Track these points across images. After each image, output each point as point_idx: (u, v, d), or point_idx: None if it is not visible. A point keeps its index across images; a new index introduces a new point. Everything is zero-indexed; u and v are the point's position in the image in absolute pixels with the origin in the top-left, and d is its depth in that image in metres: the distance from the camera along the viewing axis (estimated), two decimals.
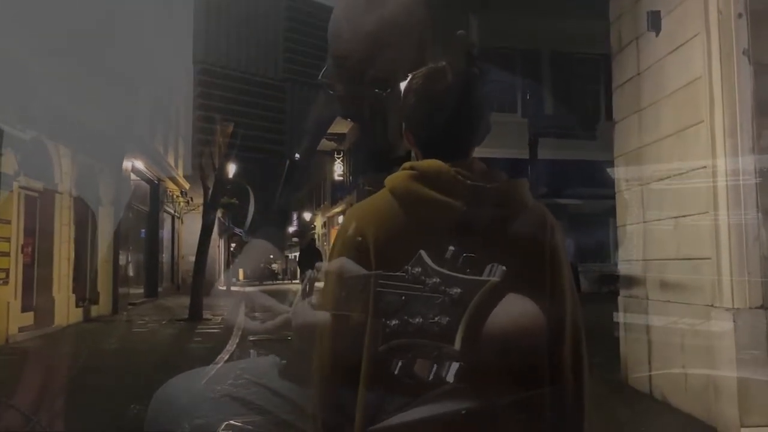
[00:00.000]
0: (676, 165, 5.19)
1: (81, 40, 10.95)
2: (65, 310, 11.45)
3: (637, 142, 5.85)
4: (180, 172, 21.76)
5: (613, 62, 6.46)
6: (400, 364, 1.06)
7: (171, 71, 20.01)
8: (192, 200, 20.85)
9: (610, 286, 8.77)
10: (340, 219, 29.29)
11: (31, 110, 9.75)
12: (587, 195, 12.51)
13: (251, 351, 1.83)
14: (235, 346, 8.70)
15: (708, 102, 4.67)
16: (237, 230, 31.32)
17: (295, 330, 1.30)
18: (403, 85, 1.37)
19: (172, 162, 20.84)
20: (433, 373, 1.04)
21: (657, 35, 5.46)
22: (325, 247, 29.22)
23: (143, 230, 18.40)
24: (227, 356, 8.07)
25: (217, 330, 10.85)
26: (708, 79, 4.67)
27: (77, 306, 12.15)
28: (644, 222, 5.76)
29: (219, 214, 21.59)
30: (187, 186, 21.59)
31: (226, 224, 26.60)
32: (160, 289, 18.94)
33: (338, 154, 29.27)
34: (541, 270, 1.25)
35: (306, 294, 1.31)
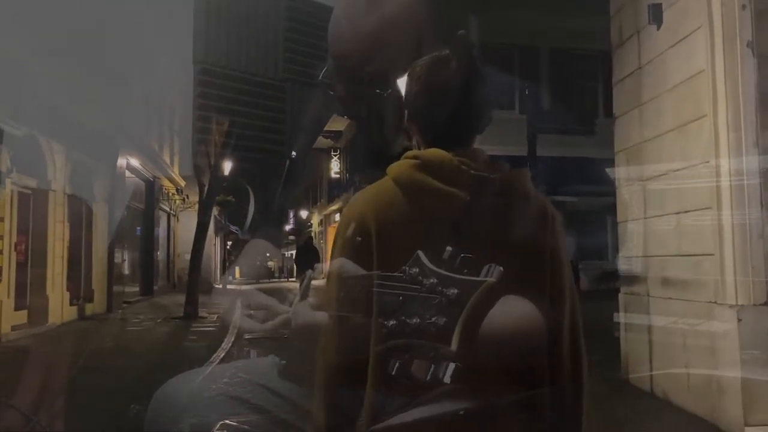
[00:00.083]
0: (678, 160, 5.11)
1: (76, 37, 10.89)
2: (59, 308, 11.35)
3: (638, 137, 5.77)
4: (176, 169, 21.66)
5: (613, 57, 6.38)
6: (397, 364, 1.05)
7: (167, 68, 19.90)
8: (188, 198, 20.77)
9: (609, 284, 8.70)
10: (337, 217, 29.27)
11: (24, 106, 9.66)
12: (584, 192, 12.45)
13: (251, 351, 1.83)
14: (230, 344, 8.63)
15: (711, 96, 4.60)
16: (233, 228, 31.27)
17: (296, 331, 1.29)
18: (402, 81, 1.36)
19: (167, 159, 20.74)
20: (430, 374, 1.03)
21: (658, 28, 5.38)
22: (322, 245, 29.16)
23: (139, 228, 18.30)
24: (223, 355, 7.99)
25: (212, 328, 10.79)
26: (711, 73, 4.60)
27: (71, 304, 12.06)
28: (645, 218, 5.69)
29: (215, 211, 21.51)
30: (182, 183, 21.50)
31: (223, 222, 26.54)
32: (155, 287, 18.85)
33: (335, 151, 29.22)
34: (543, 260, 1.26)
35: (305, 295, 1.31)
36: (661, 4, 5.31)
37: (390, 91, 1.50)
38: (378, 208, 1.25)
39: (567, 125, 12.31)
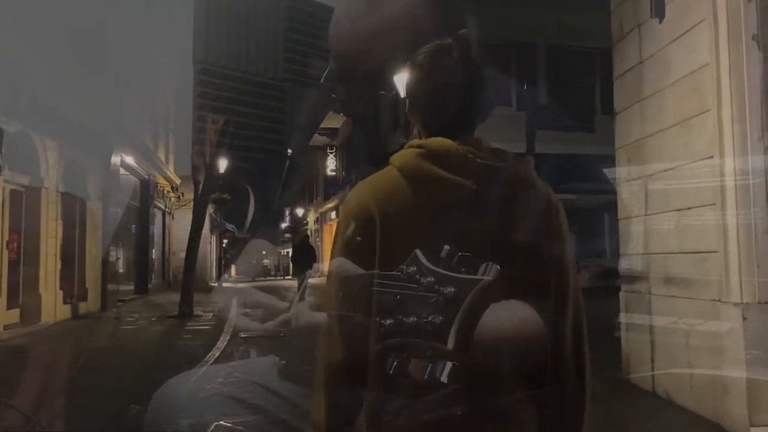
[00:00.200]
0: (680, 156, 5.02)
1: (72, 34, 10.81)
2: (52, 307, 11.25)
3: (640, 133, 5.68)
4: (171, 167, 21.56)
5: (613, 51, 6.29)
6: (395, 363, 1.05)
7: (163, 66, 19.80)
8: (183, 195, 20.67)
9: (609, 281, 8.62)
10: (333, 215, 29.19)
11: (17, 102, 9.55)
12: (584, 190, 12.39)
13: (251, 351, 1.83)
14: (226, 343, 8.54)
15: (715, 90, 4.51)
16: (229, 226, 31.18)
17: (297, 331, 1.29)
18: (399, 78, 1.33)
19: (162, 157, 20.62)
20: (427, 373, 1.03)
21: (660, 22, 5.29)
22: (318, 244, 29.07)
23: (133, 226, 18.20)
24: (218, 354, 7.90)
25: (208, 327, 10.70)
26: (715, 66, 4.51)
27: (65, 303, 11.95)
28: (646, 215, 5.60)
29: (211, 209, 21.42)
30: (178, 181, 21.41)
31: (218, 220, 26.45)
32: (150, 286, 18.76)
33: (331, 149, 29.12)
34: (549, 249, 1.27)
35: (304, 295, 1.33)
36: None
37: (393, 92, 1.52)
38: (382, 198, 1.23)
39: (565, 122, 12.24)
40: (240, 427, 1.38)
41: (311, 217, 35.90)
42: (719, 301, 4.50)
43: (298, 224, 39.19)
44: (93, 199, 13.52)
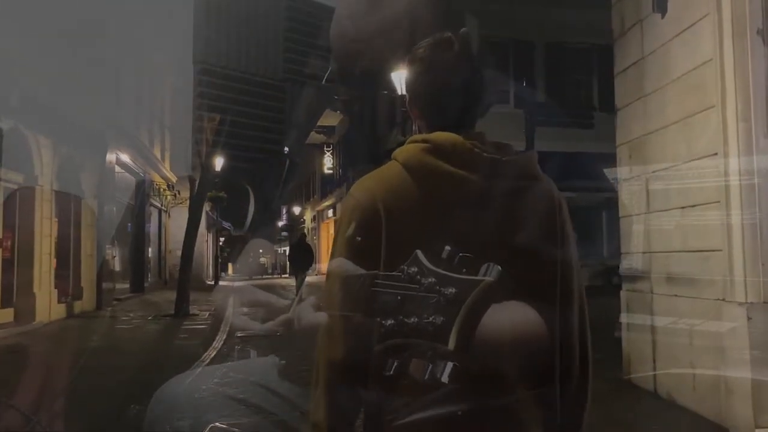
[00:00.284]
0: (683, 153, 4.94)
1: (67, 31, 10.72)
2: (47, 306, 11.15)
3: (641, 129, 5.61)
4: (167, 165, 21.46)
5: (614, 47, 6.21)
6: (395, 364, 1.04)
7: (159, 64, 19.69)
8: (179, 194, 20.57)
9: (608, 280, 8.58)
10: (330, 213, 29.13)
11: (10, 99, 9.45)
12: (581, 188, 12.33)
13: (251, 351, 1.80)
14: (222, 343, 8.47)
15: (719, 86, 4.43)
16: (225, 224, 31.09)
17: (302, 331, 1.26)
18: (397, 75, 1.28)
19: (158, 155, 20.52)
20: (428, 374, 1.01)
21: (663, 17, 5.22)
22: (314, 242, 29.00)
23: (129, 224, 18.10)
24: (214, 354, 7.82)
25: (204, 326, 10.62)
26: (719, 62, 4.43)
27: (59, 302, 11.86)
28: (648, 213, 5.53)
29: (207, 207, 21.34)
30: (174, 179, 21.31)
31: (215, 218, 26.36)
32: (146, 284, 18.66)
33: (328, 147, 29.03)
34: (554, 244, 1.26)
35: (302, 296, 1.30)
36: None
37: (392, 90, 1.46)
38: (387, 193, 1.21)
39: (564, 119, 12.18)
40: (235, 430, 1.37)
41: (308, 216, 35.83)
42: (723, 300, 4.43)
43: (295, 222, 39.13)
44: (88, 197, 13.43)
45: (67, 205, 12.58)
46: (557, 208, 1.30)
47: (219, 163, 19.14)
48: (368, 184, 1.26)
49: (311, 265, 17.49)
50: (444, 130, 1.25)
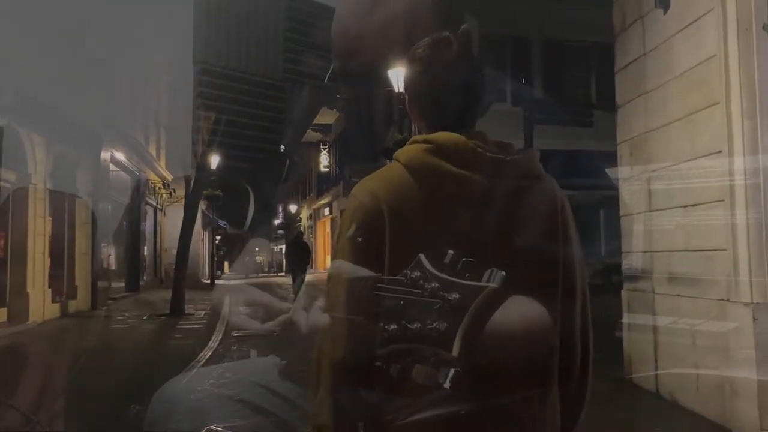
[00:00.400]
0: (686, 151, 4.87)
1: (62, 28, 10.64)
2: (40, 305, 11.04)
3: (643, 127, 5.53)
4: (162, 163, 21.34)
5: (615, 44, 6.14)
6: (398, 369, 1.04)
7: (156, 62, 19.57)
8: (174, 192, 20.44)
9: (608, 279, 8.51)
10: (326, 211, 29.04)
11: (3, 97, 9.34)
12: (579, 186, 12.28)
13: (251, 351, 1.71)
14: (218, 343, 8.40)
15: (723, 82, 4.36)
16: (221, 223, 30.98)
17: (301, 332, 1.24)
18: (394, 72, 1.24)
19: (153, 153, 20.40)
20: (431, 379, 1.01)
21: (665, 12, 5.14)
22: (311, 240, 28.90)
23: (125, 223, 17.99)
24: (210, 354, 7.74)
25: (199, 326, 10.54)
26: (723, 58, 4.36)
27: (54, 301, 11.75)
28: (650, 212, 5.46)
29: (203, 206, 21.24)
30: (169, 177, 21.19)
31: (211, 217, 26.23)
32: (141, 283, 18.54)
33: (324, 145, 28.93)
34: (558, 242, 1.26)
35: (302, 296, 1.31)
36: None
37: (390, 88, 1.42)
38: (391, 194, 1.19)
39: (563, 117, 12.12)
40: (234, 431, 1.37)
41: (304, 214, 35.73)
42: (727, 300, 4.37)
43: (291, 221, 39.03)
44: (82, 196, 13.31)
45: (61, 204, 12.48)
46: (560, 207, 1.29)
47: (214, 161, 19.05)
48: (370, 185, 1.24)
49: (308, 264, 17.41)
50: (444, 130, 1.25)
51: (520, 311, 1.14)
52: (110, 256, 16.27)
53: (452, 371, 0.98)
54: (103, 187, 14.30)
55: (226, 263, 36.98)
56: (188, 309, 12.54)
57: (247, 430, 1.38)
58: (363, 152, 17.31)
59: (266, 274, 36.20)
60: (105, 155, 14.55)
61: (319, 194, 30.34)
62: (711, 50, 4.51)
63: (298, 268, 16.30)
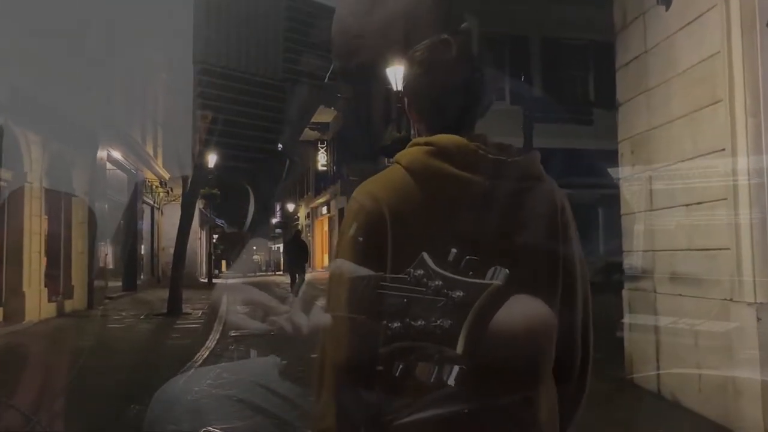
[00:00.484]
0: (689, 149, 4.82)
1: (59, 25, 10.58)
2: (36, 305, 10.96)
3: (645, 125, 5.48)
4: (159, 162, 21.26)
5: (615, 41, 6.09)
6: (402, 367, 1.04)
7: (153, 60, 19.49)
8: (172, 191, 20.37)
9: (608, 278, 8.46)
10: (324, 210, 28.99)
11: None
12: (577, 184, 12.25)
13: (251, 351, 1.70)
14: (215, 342, 8.34)
15: (727, 79, 4.31)
16: (219, 221, 30.91)
17: (303, 333, 1.21)
18: (392, 70, 1.23)
19: (150, 151, 20.32)
20: (434, 377, 1.01)
21: (667, 9, 5.09)
22: (309, 239, 28.84)
23: (122, 222, 17.92)
24: (207, 353, 7.69)
25: (196, 325, 10.48)
26: (727, 55, 4.31)
27: (50, 301, 11.68)
28: (652, 210, 5.41)
29: (200, 205, 21.17)
30: (166, 176, 21.12)
31: (208, 215, 26.17)
32: (139, 282, 18.47)
33: (322, 143, 28.86)
34: (560, 243, 1.27)
35: (303, 297, 1.28)
36: None
37: (389, 85, 1.40)
38: (392, 197, 1.19)
39: (563, 115, 12.08)
40: (236, 429, 1.37)
41: (302, 213, 35.66)
42: (731, 300, 4.32)
43: (289, 220, 38.97)
44: (79, 195, 13.23)
45: (57, 203, 12.39)
46: (560, 208, 1.30)
47: (212, 159, 18.98)
48: (371, 188, 1.24)
49: (307, 262, 17.37)
50: (444, 132, 1.25)
51: (522, 309, 1.13)
52: (107, 255, 16.20)
53: (456, 369, 0.98)
54: (99, 185, 14.24)
55: (223, 262, 36.92)
56: (185, 308, 12.48)
57: (247, 430, 1.38)
58: (361, 151, 17.28)
59: (264, 273, 36.16)
60: (102, 154, 14.48)
61: (317, 193, 30.28)
62: (714, 47, 4.46)
63: (297, 266, 16.26)
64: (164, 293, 13.15)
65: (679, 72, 4.94)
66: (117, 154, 15.86)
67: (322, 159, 29.01)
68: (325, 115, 26.33)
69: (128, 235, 18.16)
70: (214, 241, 32.68)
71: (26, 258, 10.85)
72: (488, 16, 12.01)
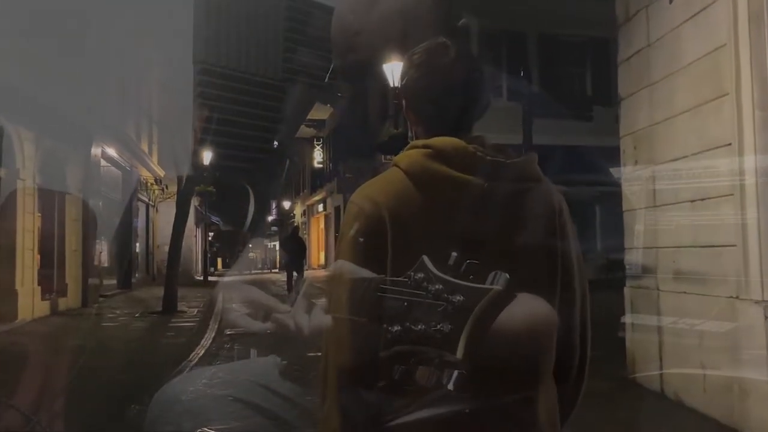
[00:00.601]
0: (694, 143, 4.73)
1: (56, 23, 10.47)
2: (29, 303, 10.83)
3: (648, 120, 5.39)
4: (154, 159, 21.13)
5: (618, 35, 6.00)
6: (401, 370, 1.02)
7: (150, 58, 19.38)
8: (167, 188, 20.27)
9: (613, 274, 8.39)
10: (320, 207, 28.89)
11: None
12: (575, 182, 12.19)
13: (251, 350, 1.79)
14: (211, 341, 8.26)
15: (734, 72, 4.22)
16: (214, 219, 30.81)
17: (304, 334, 1.22)
18: (389, 68, 1.18)
19: (145, 148, 20.19)
20: (434, 381, 0.99)
21: (671, 2, 5.00)
22: (305, 236, 28.73)
23: (116, 219, 17.81)
24: (203, 352, 7.60)
25: (192, 323, 10.39)
26: (734, 47, 4.22)
27: (43, 299, 11.54)
28: (655, 207, 5.32)
29: (196, 202, 21.08)
30: (161, 173, 21.01)
31: (203, 213, 26.06)
32: (134, 280, 18.37)
33: (318, 140, 28.75)
34: (558, 244, 1.28)
35: (304, 297, 1.28)
36: None
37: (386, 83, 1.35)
38: (391, 200, 1.20)
39: (561, 111, 12.01)
40: (236, 429, 1.37)
41: (298, 210, 35.55)
42: (737, 298, 4.23)
43: (285, 217, 38.87)
44: (73, 192, 13.11)
45: (50, 200, 12.27)
46: (558, 209, 1.31)
47: (207, 157, 18.87)
48: (370, 191, 1.24)
49: (304, 259, 17.28)
50: (442, 134, 1.25)
51: (524, 308, 1.11)
52: (102, 253, 16.10)
53: (456, 373, 0.97)
54: (94, 183, 14.14)
55: (219, 260, 36.82)
56: (181, 306, 12.40)
57: (247, 430, 1.38)
58: (358, 148, 17.18)
59: (260, 271, 36.07)
60: (96, 151, 14.36)
61: (313, 190, 30.18)
62: (720, 39, 4.37)
63: (294, 264, 16.16)
64: (159, 291, 13.07)
65: (684, 65, 4.85)
66: (111, 151, 15.74)
67: (318, 156, 28.89)
68: (321, 112, 26.22)
69: (123, 233, 18.06)
70: (210, 238, 32.60)
71: (19, 256, 10.72)
72: (486, 12, 11.95)
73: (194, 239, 25.47)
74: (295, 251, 16.22)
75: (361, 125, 16.96)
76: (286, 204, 38.81)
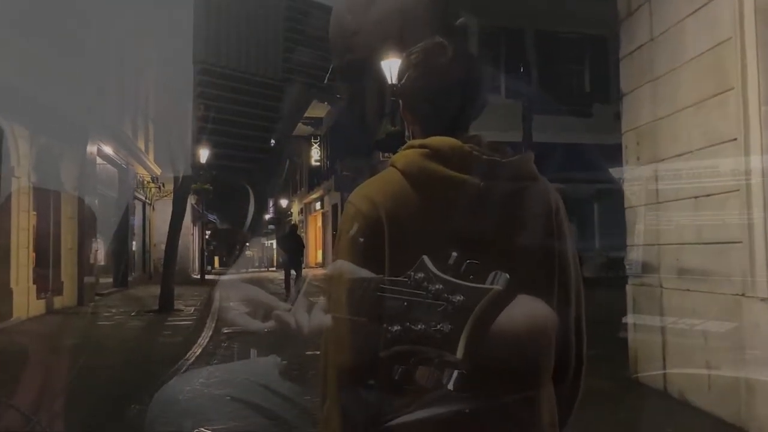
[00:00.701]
0: (698, 139, 4.67)
1: (54, 21, 10.40)
2: (25, 302, 10.76)
3: (650, 115, 5.33)
4: (150, 157, 21.05)
5: (619, 30, 5.94)
6: (401, 370, 1.02)
7: (148, 56, 19.30)
8: (163, 186, 20.18)
9: (613, 272, 8.35)
10: (318, 205, 28.82)
11: None
12: (573, 179, 12.14)
13: (251, 350, 1.77)
14: (208, 340, 8.20)
15: (739, 66, 4.17)
16: (211, 217, 30.73)
17: (304, 334, 1.21)
18: (387, 65, 1.15)
19: (142, 146, 20.11)
20: (434, 381, 1.00)
21: None
22: (302, 235, 28.67)
23: (113, 217, 17.72)
24: (200, 351, 7.53)
25: (188, 322, 10.32)
26: (740, 41, 4.16)
27: (39, 297, 11.47)
28: (658, 203, 5.26)
29: (192, 200, 20.99)
30: (158, 171, 20.93)
31: (200, 211, 25.96)
32: (130, 279, 18.29)
33: (315, 139, 28.66)
34: (555, 242, 1.28)
35: (304, 297, 1.27)
36: None
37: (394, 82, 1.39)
38: (388, 200, 1.21)
39: (560, 108, 11.95)
40: (235, 429, 1.38)
41: (295, 208, 35.48)
42: (743, 296, 4.18)
43: (282, 215, 38.80)
44: (68, 190, 13.02)
45: (46, 198, 12.18)
46: (555, 208, 1.31)
47: (203, 155, 18.79)
48: (368, 192, 1.24)
49: (302, 257, 17.20)
50: (439, 134, 1.25)
51: (523, 309, 1.12)
52: (98, 251, 16.01)
53: (456, 373, 0.97)
54: (89, 180, 14.04)
55: (216, 258, 36.74)
56: (177, 305, 12.32)
57: (246, 429, 1.38)
58: (355, 146, 17.12)
59: (257, 269, 35.98)
60: (91, 148, 14.27)
61: (311, 188, 30.11)
62: (726, 33, 4.31)
63: (292, 262, 16.08)
64: (156, 290, 12.98)
65: (688, 59, 4.79)
66: (107, 149, 15.66)
67: (315, 154, 28.80)
68: (318, 110, 26.14)
69: (119, 231, 17.97)
70: (207, 237, 32.50)
71: (14, 254, 10.63)
72: (484, 10, 11.89)
73: (191, 237, 25.39)
74: (293, 249, 16.14)
75: (359, 123, 16.90)
76: (283, 202, 38.73)
